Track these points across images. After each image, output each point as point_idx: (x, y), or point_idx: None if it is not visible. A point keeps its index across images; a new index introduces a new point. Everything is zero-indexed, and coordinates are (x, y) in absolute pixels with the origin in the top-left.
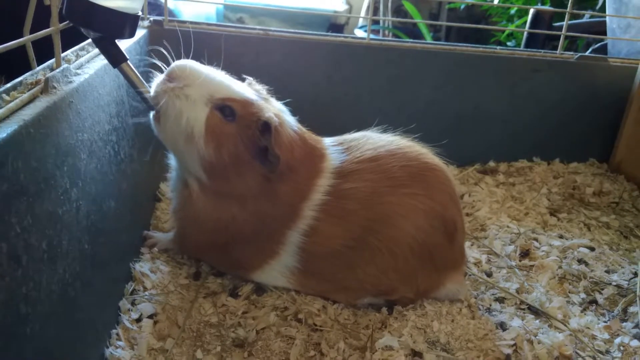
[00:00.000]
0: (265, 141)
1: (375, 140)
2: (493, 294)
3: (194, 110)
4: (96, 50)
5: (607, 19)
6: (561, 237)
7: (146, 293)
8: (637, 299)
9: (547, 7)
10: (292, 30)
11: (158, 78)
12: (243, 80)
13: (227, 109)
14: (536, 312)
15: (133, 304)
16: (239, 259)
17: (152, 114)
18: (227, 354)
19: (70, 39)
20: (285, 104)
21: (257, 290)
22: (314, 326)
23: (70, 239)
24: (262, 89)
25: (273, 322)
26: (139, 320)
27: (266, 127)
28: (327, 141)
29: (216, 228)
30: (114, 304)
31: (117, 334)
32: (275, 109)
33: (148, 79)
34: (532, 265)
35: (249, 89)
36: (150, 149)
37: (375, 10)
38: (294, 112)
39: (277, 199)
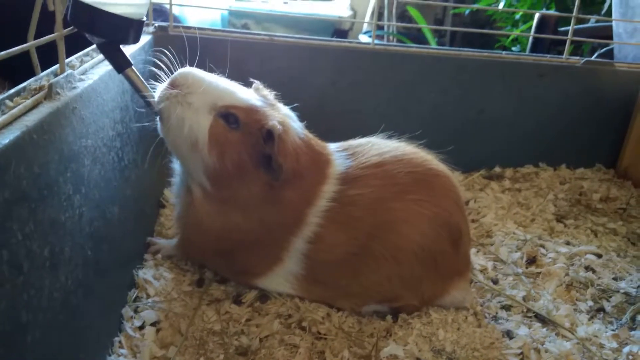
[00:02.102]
0: (269, 149)
1: (380, 146)
2: (499, 302)
3: (197, 118)
4: (100, 56)
5: (614, 23)
6: (568, 243)
7: (149, 300)
8: None
9: (552, 12)
10: (297, 36)
11: (161, 85)
12: (249, 85)
13: (231, 117)
14: (543, 320)
15: (136, 311)
16: (243, 266)
17: (158, 119)
18: None
19: (75, 45)
20: (291, 110)
21: (261, 297)
22: (318, 334)
23: (72, 245)
24: (269, 94)
25: (277, 330)
26: (141, 327)
27: (270, 135)
28: (333, 147)
29: (220, 235)
30: (117, 312)
31: (120, 342)
32: (281, 116)
33: (153, 84)
34: (539, 273)
35: (254, 95)
36: (147, 157)
37: (380, 16)
38: (298, 118)
39: (281, 205)
